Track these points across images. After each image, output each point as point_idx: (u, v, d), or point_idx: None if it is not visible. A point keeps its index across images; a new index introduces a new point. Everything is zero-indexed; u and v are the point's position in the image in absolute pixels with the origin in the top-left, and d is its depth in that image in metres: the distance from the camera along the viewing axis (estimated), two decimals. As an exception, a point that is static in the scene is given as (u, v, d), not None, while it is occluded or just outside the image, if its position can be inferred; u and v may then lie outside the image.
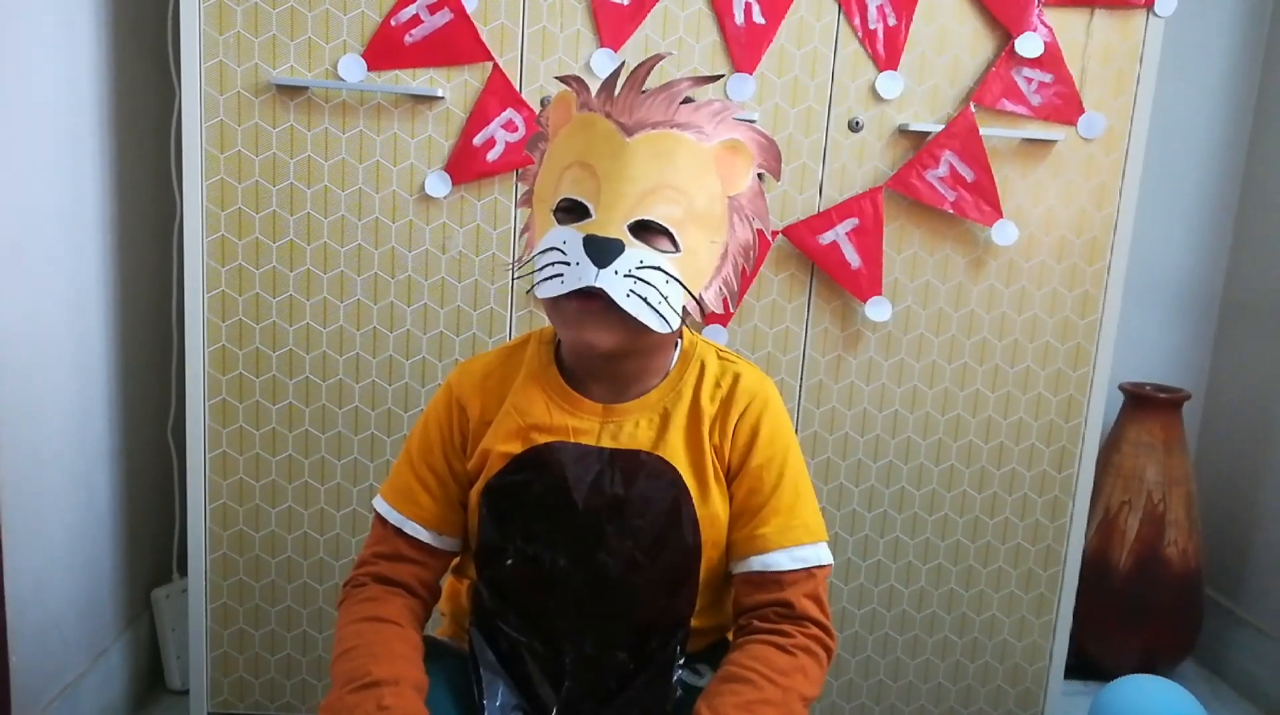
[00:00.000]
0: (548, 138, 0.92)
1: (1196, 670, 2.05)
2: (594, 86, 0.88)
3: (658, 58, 0.89)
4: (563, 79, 0.90)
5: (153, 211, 1.68)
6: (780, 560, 0.92)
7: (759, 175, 0.91)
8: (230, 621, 1.59)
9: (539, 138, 0.94)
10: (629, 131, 0.84)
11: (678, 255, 0.85)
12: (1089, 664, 1.93)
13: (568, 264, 0.83)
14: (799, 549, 0.92)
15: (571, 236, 0.84)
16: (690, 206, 0.85)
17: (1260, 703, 1.91)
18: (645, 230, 0.84)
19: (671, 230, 0.85)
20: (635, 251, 0.83)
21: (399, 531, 0.97)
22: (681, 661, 0.94)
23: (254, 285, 1.50)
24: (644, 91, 0.85)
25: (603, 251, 0.82)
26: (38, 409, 1.37)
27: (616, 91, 0.86)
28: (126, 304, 1.61)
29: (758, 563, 0.92)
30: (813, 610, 0.92)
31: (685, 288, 0.86)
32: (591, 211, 0.84)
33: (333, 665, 0.90)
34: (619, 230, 0.83)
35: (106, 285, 1.55)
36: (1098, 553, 1.90)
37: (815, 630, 0.91)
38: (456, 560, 1.05)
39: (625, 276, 0.83)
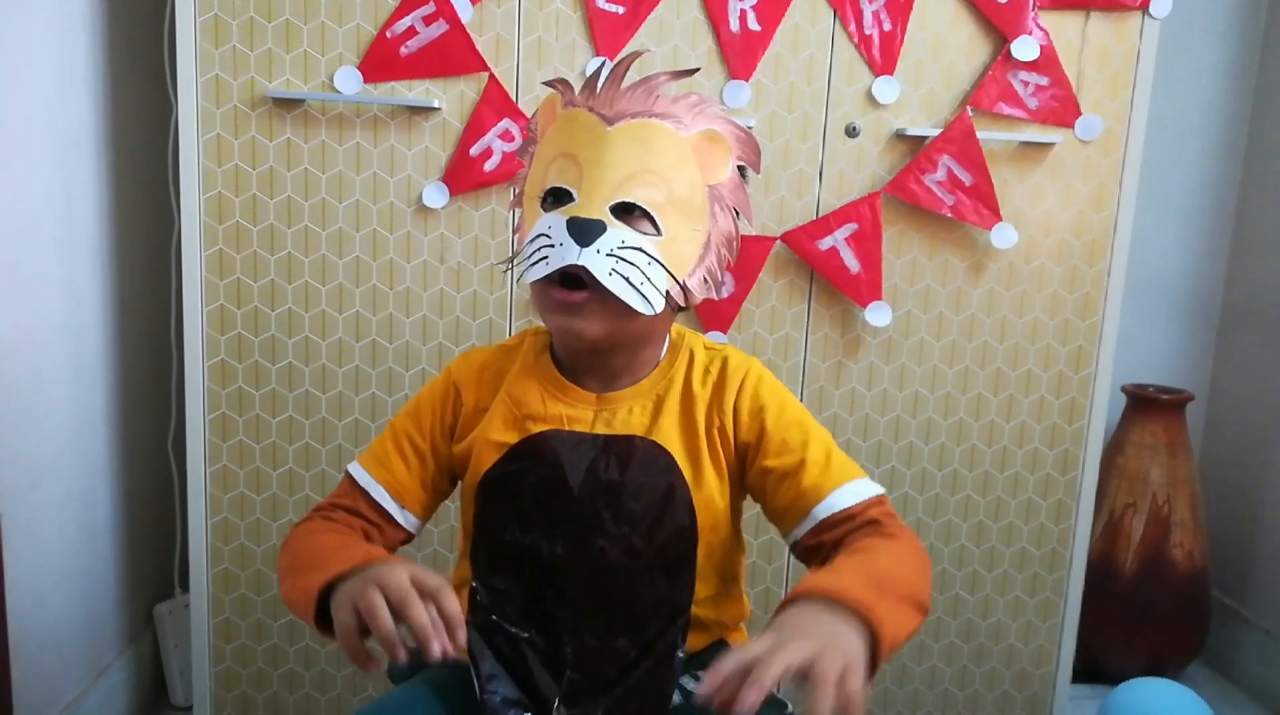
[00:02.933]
0: (537, 141, 0.95)
1: (1204, 673, 2.04)
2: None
3: (637, 54, 0.92)
4: (548, 83, 0.94)
5: (150, 225, 1.68)
6: (842, 498, 0.90)
7: (740, 170, 0.93)
8: (233, 636, 1.59)
9: (529, 143, 0.97)
10: (610, 121, 0.88)
11: (660, 238, 0.88)
12: (1096, 668, 1.92)
13: (552, 246, 0.86)
14: (851, 484, 0.91)
15: (556, 221, 0.87)
16: (670, 192, 0.88)
17: (1269, 704, 1.90)
18: (627, 213, 0.87)
19: (653, 213, 0.87)
20: (617, 232, 0.86)
21: (365, 493, 0.97)
22: (682, 651, 0.94)
23: (252, 298, 1.49)
24: (624, 86, 0.89)
25: (585, 231, 0.85)
26: (37, 424, 1.37)
27: (598, 87, 0.89)
28: (125, 318, 1.61)
29: (822, 510, 0.90)
30: (896, 519, 0.90)
31: (668, 271, 0.88)
32: (575, 196, 0.87)
33: (284, 579, 0.87)
34: (601, 212, 0.86)
35: (104, 300, 1.55)
36: (1103, 556, 1.89)
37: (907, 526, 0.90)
38: (453, 572, 1.04)
39: (607, 255, 0.85)
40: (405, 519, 0.98)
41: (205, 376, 1.51)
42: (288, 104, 1.45)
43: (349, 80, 1.44)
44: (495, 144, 1.45)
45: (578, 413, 0.94)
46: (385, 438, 1.00)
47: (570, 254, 0.85)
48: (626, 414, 0.94)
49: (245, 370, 1.51)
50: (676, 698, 0.95)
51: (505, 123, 1.45)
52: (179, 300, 1.56)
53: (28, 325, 1.34)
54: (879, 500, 0.92)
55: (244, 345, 1.51)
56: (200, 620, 1.57)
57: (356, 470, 0.98)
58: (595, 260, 0.85)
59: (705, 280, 0.91)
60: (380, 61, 1.44)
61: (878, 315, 1.54)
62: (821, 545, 0.91)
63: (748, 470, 0.96)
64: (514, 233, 1.00)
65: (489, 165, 1.46)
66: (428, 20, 1.42)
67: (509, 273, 1.50)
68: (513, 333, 1.53)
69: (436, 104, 1.44)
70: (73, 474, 1.48)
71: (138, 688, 1.67)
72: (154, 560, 1.74)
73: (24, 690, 1.33)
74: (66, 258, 1.44)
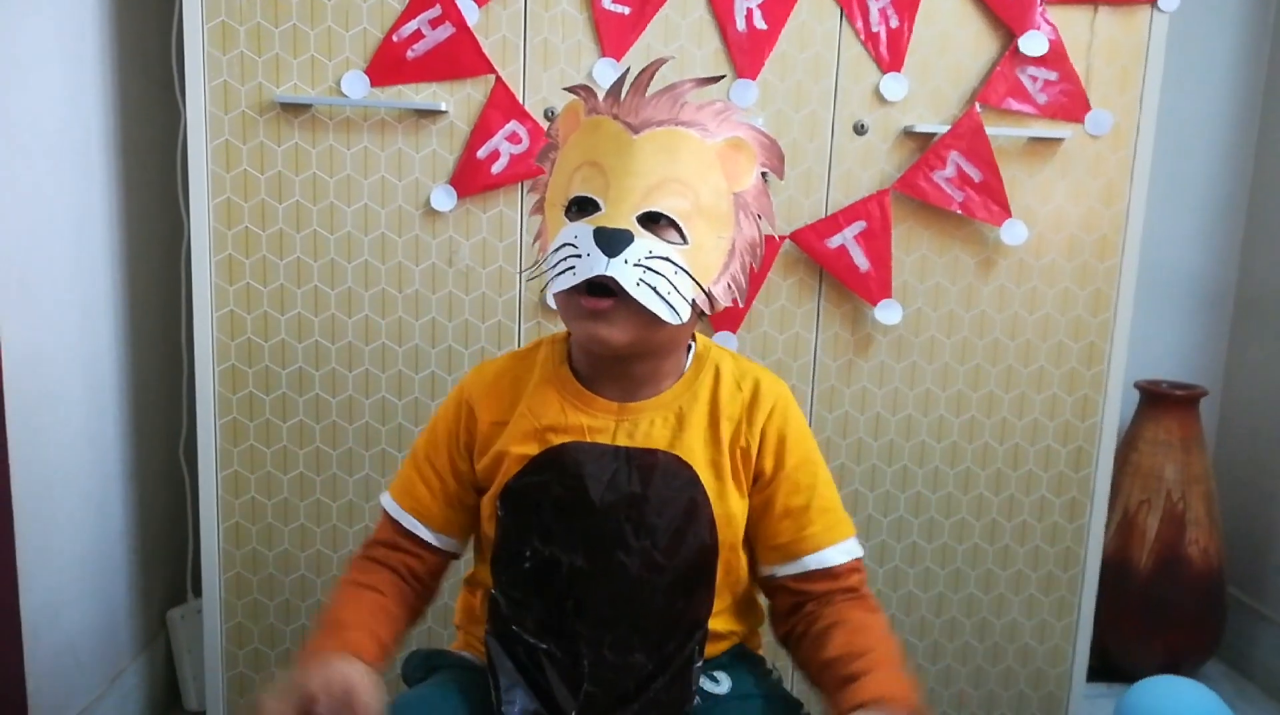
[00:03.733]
0: (558, 147, 0.94)
1: (1221, 670, 2.02)
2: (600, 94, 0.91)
3: (660, 61, 0.91)
4: (570, 89, 0.93)
5: (160, 232, 1.68)
6: (835, 555, 0.95)
7: (763, 175, 0.92)
8: (245, 641, 1.59)
9: (549, 148, 0.96)
10: (635, 130, 0.87)
11: (686, 247, 0.87)
12: (1112, 666, 1.91)
13: (579, 256, 0.85)
14: (845, 543, 0.96)
15: (582, 230, 0.86)
16: (696, 200, 0.87)
17: (1287, 702, 1.89)
18: (653, 222, 0.86)
19: (679, 222, 0.87)
20: (644, 242, 0.85)
21: (397, 524, 0.99)
22: (699, 664, 0.94)
23: (262, 303, 1.50)
24: (649, 94, 0.88)
25: (612, 241, 0.84)
26: (49, 432, 1.37)
27: (622, 94, 0.88)
28: (136, 325, 1.61)
29: (814, 561, 0.94)
30: (867, 588, 0.96)
31: (694, 279, 0.87)
32: (601, 206, 0.87)
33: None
34: (628, 222, 0.85)
35: (115, 307, 1.55)
36: (1118, 553, 1.88)
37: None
38: (470, 572, 1.04)
39: (635, 266, 0.84)
40: (440, 541, 1.00)
41: (216, 382, 1.51)
42: (295, 109, 1.45)
43: (356, 84, 1.44)
44: (502, 146, 1.45)
45: (599, 423, 0.94)
46: (409, 464, 1.01)
47: (598, 264, 0.84)
48: (648, 426, 0.94)
49: (255, 375, 1.52)
50: (695, 700, 0.94)
51: (512, 125, 1.45)
52: (189, 306, 1.57)
53: (39, 333, 1.35)
54: (858, 564, 0.96)
55: (254, 350, 1.51)
56: (213, 625, 1.57)
57: (387, 501, 1.01)
58: (623, 270, 0.84)
59: (729, 287, 0.91)
60: (387, 65, 1.44)
61: (888, 313, 1.53)
62: (801, 592, 0.95)
63: (751, 495, 0.97)
64: (535, 240, 1.00)
65: (496, 168, 1.46)
66: (434, 23, 1.43)
67: (528, 279, 1.50)
68: (522, 334, 1.52)
69: (443, 107, 1.44)
70: (85, 479, 1.48)
71: (151, 693, 1.67)
72: (166, 566, 1.75)
73: (39, 697, 1.33)
74: (78, 266, 1.44)
